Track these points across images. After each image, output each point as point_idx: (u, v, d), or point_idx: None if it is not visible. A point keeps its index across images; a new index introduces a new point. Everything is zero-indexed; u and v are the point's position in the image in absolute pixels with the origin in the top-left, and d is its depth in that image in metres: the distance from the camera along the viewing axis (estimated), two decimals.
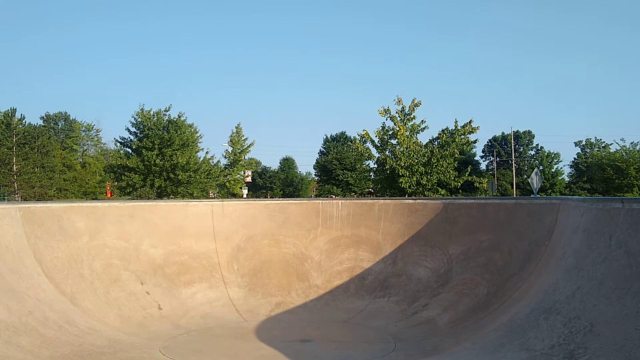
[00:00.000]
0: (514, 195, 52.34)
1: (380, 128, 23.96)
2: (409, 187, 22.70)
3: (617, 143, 59.58)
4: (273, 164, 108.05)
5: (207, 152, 37.18)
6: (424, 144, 23.86)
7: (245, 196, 45.83)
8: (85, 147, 60.77)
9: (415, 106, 23.11)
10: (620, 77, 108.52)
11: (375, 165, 25.49)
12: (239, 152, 41.83)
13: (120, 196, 34.99)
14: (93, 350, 4.77)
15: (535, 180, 28.88)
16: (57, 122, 60.86)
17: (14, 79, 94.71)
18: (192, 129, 33.64)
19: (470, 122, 23.22)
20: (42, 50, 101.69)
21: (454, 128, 23.64)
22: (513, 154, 64.61)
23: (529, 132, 68.70)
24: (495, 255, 6.56)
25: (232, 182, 40.13)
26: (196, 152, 33.94)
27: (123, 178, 30.83)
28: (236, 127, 42.61)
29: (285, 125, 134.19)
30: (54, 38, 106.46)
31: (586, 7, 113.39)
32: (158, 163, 30.29)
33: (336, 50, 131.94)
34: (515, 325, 4.32)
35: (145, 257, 7.11)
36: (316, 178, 67.17)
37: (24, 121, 41.02)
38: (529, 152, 68.72)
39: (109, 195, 41.30)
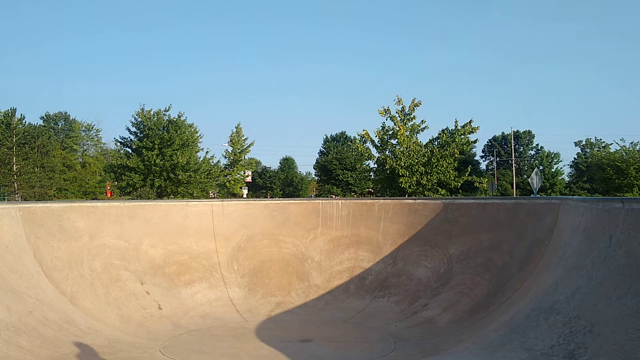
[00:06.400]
0: (514, 195, 52.35)
1: (380, 128, 23.95)
2: (409, 187, 22.69)
3: (617, 143, 59.55)
4: (273, 164, 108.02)
5: (207, 152, 37.21)
6: (424, 144, 23.85)
7: (245, 196, 45.82)
8: (85, 147, 60.77)
9: (415, 106, 23.09)
10: (620, 77, 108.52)
11: (375, 165, 25.48)
12: (239, 152, 41.81)
13: (120, 196, 34.99)
14: (93, 350, 4.77)
15: (535, 180, 28.87)
16: (57, 122, 60.83)
17: (14, 79, 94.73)
18: (192, 129, 33.64)
19: (470, 122, 23.21)
20: (43, 50, 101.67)
21: (454, 128, 23.63)
22: (513, 154, 64.60)
23: (529, 132, 68.70)
24: (495, 255, 6.55)
25: (232, 182, 40.09)
26: (196, 152, 33.94)
27: (123, 178, 30.82)
28: (236, 127, 42.60)
29: (285, 125, 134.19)
30: (54, 38, 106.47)
31: (586, 11, 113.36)
32: (158, 163, 30.28)
33: (336, 50, 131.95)
34: (515, 325, 4.32)
35: (145, 257, 7.11)
36: (316, 178, 67.13)
37: (24, 121, 41.03)
38: (529, 152, 68.71)
39: (109, 195, 41.27)
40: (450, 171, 22.85)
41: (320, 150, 66.31)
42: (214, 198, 29.64)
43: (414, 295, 6.87)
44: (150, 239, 7.37)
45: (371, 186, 38.34)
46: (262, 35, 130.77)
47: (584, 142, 66.88)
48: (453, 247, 7.17)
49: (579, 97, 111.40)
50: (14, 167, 37.62)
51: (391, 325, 6.17)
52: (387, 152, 23.66)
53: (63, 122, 61.02)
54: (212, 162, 34.47)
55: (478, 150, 66.65)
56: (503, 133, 69.75)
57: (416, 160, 22.64)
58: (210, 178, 33.49)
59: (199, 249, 7.70)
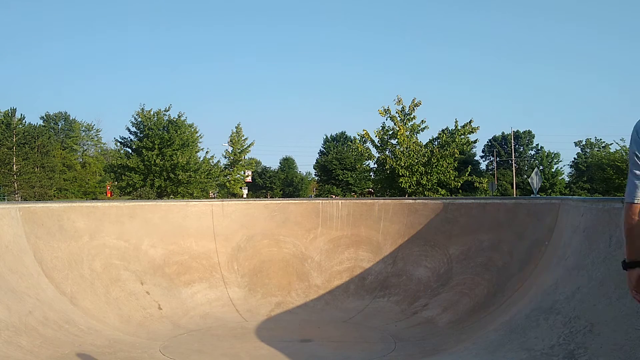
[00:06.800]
0: (514, 195, 52.34)
1: (380, 128, 23.95)
2: (409, 187, 22.69)
3: (617, 143, 59.43)
4: (273, 164, 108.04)
5: (207, 152, 37.23)
6: (424, 144, 23.85)
7: (245, 196, 45.82)
8: (85, 147, 60.78)
9: (415, 106, 23.09)
10: (620, 77, 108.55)
11: (375, 165, 25.49)
12: (239, 152, 41.80)
13: (120, 196, 34.99)
14: (93, 350, 4.77)
15: (535, 180, 28.88)
16: (57, 122, 60.83)
17: (14, 79, 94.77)
18: (192, 129, 33.66)
19: (470, 122, 23.22)
20: (43, 50, 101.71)
21: (454, 128, 23.63)
22: (513, 154, 64.61)
23: (529, 132, 68.72)
24: (495, 255, 6.55)
25: (232, 182, 40.08)
26: (196, 152, 33.95)
27: (123, 178, 30.85)
28: (236, 127, 42.57)
29: (285, 125, 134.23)
30: (54, 38, 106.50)
31: (586, 11, 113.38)
32: (158, 163, 30.30)
33: (336, 50, 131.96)
34: (515, 325, 4.32)
35: (145, 257, 7.11)
36: (316, 178, 67.14)
37: (24, 121, 41.03)
38: (529, 152, 68.73)
39: (109, 195, 41.27)
40: (450, 171, 22.85)
41: (320, 150, 66.34)
42: (214, 198, 29.65)
43: (414, 295, 6.87)
44: (150, 239, 7.37)
45: (371, 186, 38.36)
46: (262, 35, 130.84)
47: (584, 142, 66.91)
48: (453, 247, 7.17)
49: (579, 97, 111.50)
50: (14, 167, 37.63)
51: (391, 325, 6.16)
52: (387, 152, 23.65)
53: (63, 122, 61.01)
54: (212, 162, 34.49)
55: (478, 150, 66.73)
56: (503, 133, 69.79)
57: (416, 160, 22.64)
58: (210, 178, 33.50)
59: (199, 249, 7.70)
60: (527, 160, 66.90)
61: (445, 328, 5.76)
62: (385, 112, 23.18)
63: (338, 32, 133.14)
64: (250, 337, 5.75)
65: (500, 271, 6.24)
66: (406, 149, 22.81)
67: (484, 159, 70.47)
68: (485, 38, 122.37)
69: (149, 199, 28.46)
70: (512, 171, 62.08)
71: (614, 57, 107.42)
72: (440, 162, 22.61)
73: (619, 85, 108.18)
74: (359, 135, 25.49)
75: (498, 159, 68.10)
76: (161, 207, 8.00)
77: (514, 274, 5.93)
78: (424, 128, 23.41)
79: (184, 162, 30.48)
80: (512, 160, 63.83)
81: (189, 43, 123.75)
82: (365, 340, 5.67)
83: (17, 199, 36.69)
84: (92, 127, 61.88)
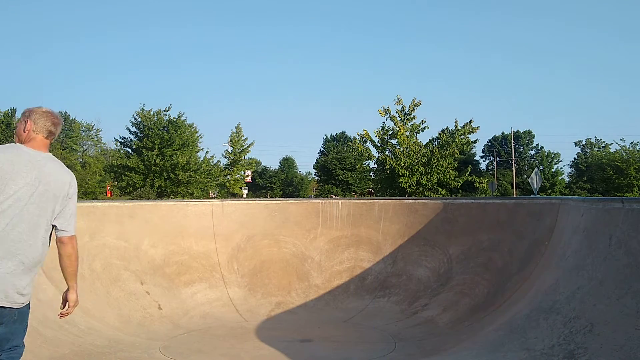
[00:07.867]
0: (514, 195, 52.31)
1: (380, 128, 23.95)
2: (409, 187, 22.69)
3: (617, 143, 59.52)
4: (273, 164, 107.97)
5: (207, 152, 37.16)
6: (424, 144, 23.85)
7: (245, 196, 45.81)
8: (85, 147, 60.76)
9: (415, 106, 23.09)
10: (620, 77, 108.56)
11: (375, 165, 25.50)
12: (239, 152, 41.76)
13: (120, 196, 34.96)
14: (93, 350, 4.77)
15: (535, 180, 28.88)
16: None
17: (14, 79, 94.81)
18: (192, 129, 33.63)
19: (470, 122, 23.23)
20: (43, 50, 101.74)
21: (454, 128, 23.65)
22: (513, 154, 64.58)
23: (529, 132, 68.68)
24: (495, 255, 6.55)
25: (232, 182, 40.04)
26: (196, 152, 33.91)
27: (123, 178, 30.83)
28: (236, 127, 42.54)
29: (285, 125, 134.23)
30: (55, 39, 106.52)
31: (586, 11, 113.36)
32: (158, 163, 30.28)
33: (336, 49, 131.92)
34: (515, 325, 4.32)
35: (145, 257, 7.11)
36: (316, 178, 67.11)
37: None
38: (529, 152, 68.70)
39: (109, 195, 41.23)
40: (450, 171, 22.85)
41: (320, 150, 66.29)
42: (214, 198, 29.64)
43: (414, 295, 6.87)
44: (150, 239, 7.37)
45: (371, 186, 38.34)
46: (262, 36, 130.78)
47: (584, 142, 66.87)
48: (453, 247, 7.17)
49: (579, 97, 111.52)
50: None
51: (391, 325, 6.16)
52: (387, 152, 23.65)
53: (63, 122, 60.92)
54: (212, 162, 34.46)
55: (478, 150, 66.63)
56: (503, 133, 69.75)
57: (416, 160, 22.64)
58: (210, 178, 33.45)
59: (199, 249, 7.70)
60: (527, 160, 66.87)
61: (445, 328, 5.76)
62: (385, 112, 23.18)
63: (338, 32, 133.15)
64: (250, 337, 5.75)
65: (500, 271, 6.24)
66: (406, 149, 22.81)
67: (484, 159, 70.41)
68: (485, 38, 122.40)
69: (149, 199, 28.46)
70: (512, 171, 62.06)
71: (614, 57, 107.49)
72: (440, 162, 22.60)
73: (620, 85, 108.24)
74: (359, 135, 25.48)
75: (498, 159, 68.08)
76: (161, 207, 8.00)
77: (514, 274, 5.93)
78: (424, 128, 23.41)
79: (184, 162, 30.45)
80: (512, 160, 63.81)
81: (189, 43, 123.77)
82: (365, 340, 5.67)
83: None
84: (92, 127, 61.87)
